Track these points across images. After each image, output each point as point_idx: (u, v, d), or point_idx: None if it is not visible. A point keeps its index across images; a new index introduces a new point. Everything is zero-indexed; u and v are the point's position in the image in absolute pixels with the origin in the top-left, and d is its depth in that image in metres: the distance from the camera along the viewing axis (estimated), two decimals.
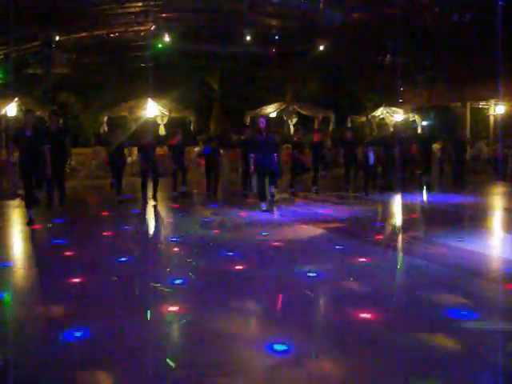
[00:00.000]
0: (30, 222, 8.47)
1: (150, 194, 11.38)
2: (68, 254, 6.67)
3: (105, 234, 8.34)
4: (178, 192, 12.28)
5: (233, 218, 9.71)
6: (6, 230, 8.75)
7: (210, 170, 12.61)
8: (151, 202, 11.17)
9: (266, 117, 16.92)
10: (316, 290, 5.09)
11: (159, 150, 12.83)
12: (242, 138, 14.06)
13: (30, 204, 8.55)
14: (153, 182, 11.33)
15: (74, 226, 9.00)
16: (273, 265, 6.17)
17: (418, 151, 14.56)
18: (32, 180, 8.56)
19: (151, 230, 9.33)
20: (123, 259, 6.29)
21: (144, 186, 11.27)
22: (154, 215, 10.41)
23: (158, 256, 6.83)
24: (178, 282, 5.32)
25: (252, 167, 10.31)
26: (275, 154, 10.44)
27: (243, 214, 10.07)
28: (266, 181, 10.75)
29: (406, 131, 16.72)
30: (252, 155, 10.27)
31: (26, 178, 8.60)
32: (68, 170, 18.21)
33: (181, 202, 11.86)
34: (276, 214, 10.18)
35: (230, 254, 6.56)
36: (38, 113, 16.39)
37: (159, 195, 11.60)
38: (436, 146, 16.57)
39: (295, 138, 14.02)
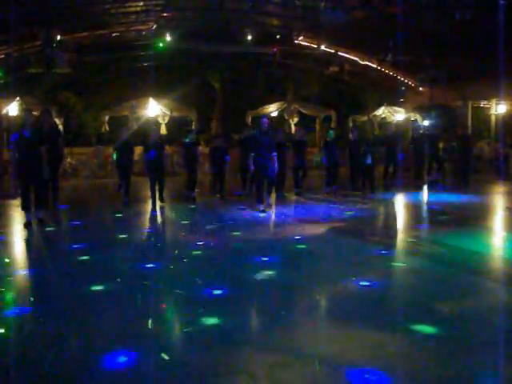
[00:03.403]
0: (27, 225, 8.35)
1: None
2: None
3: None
4: (188, 192, 12.13)
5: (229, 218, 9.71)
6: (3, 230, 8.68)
7: (217, 170, 12.44)
8: (159, 204, 11.06)
9: (269, 116, 16.78)
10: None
11: (168, 149, 12.70)
12: (242, 137, 13.88)
13: (27, 206, 8.41)
14: (158, 183, 11.17)
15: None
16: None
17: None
18: (30, 181, 8.44)
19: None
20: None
21: (153, 188, 11.12)
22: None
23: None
24: None
25: (252, 167, 10.17)
26: (275, 154, 10.13)
27: (240, 214, 10.08)
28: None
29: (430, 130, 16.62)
30: (252, 154, 10.17)
31: (24, 178, 8.43)
32: (69, 171, 18.25)
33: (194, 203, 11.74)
34: (273, 215, 10.16)
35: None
36: (37, 112, 16.38)
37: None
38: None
39: (297, 137, 13.69)
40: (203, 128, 23.38)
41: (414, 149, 15.03)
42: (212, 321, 4.14)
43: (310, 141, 20.56)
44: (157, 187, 11.12)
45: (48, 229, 8.55)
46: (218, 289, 4.94)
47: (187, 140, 12.22)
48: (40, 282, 5.57)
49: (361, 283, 5.15)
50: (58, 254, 6.93)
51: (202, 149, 17.49)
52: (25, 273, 5.87)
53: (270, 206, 10.70)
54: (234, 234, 7.97)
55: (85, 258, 6.39)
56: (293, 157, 12.90)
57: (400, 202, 12.49)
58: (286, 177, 12.67)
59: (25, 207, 8.45)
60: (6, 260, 6.33)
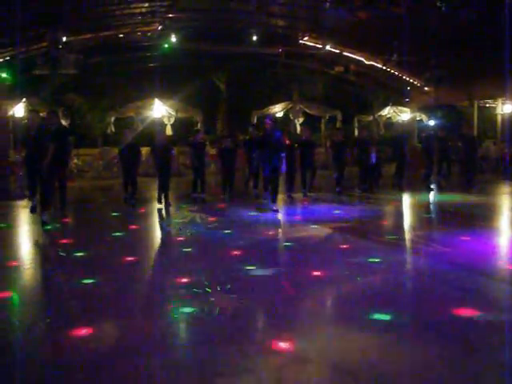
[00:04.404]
0: (32, 209, 8.77)
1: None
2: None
3: None
4: (197, 194, 12.06)
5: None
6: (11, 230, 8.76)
7: (227, 171, 12.30)
8: (164, 205, 11.04)
9: (273, 116, 16.72)
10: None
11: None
12: (247, 137, 13.86)
13: (33, 193, 8.81)
14: (163, 185, 11.18)
15: None
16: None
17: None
18: (36, 176, 8.61)
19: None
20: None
21: (160, 188, 11.14)
22: None
23: None
24: None
25: (256, 157, 10.28)
26: (284, 155, 10.10)
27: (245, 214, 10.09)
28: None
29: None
30: (254, 154, 10.29)
31: (31, 175, 8.76)
32: (75, 171, 18.32)
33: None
34: (286, 214, 10.16)
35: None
36: (44, 114, 16.45)
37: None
38: None
39: (303, 138, 13.62)
40: (209, 128, 23.43)
41: (422, 149, 14.93)
42: None
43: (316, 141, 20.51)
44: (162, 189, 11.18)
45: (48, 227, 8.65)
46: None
47: (195, 141, 12.18)
48: None
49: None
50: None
51: (209, 149, 17.50)
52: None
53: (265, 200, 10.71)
54: (237, 234, 8.01)
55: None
56: (300, 157, 12.82)
57: (406, 201, 12.46)
58: (295, 177, 12.68)
59: (30, 194, 8.94)
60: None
